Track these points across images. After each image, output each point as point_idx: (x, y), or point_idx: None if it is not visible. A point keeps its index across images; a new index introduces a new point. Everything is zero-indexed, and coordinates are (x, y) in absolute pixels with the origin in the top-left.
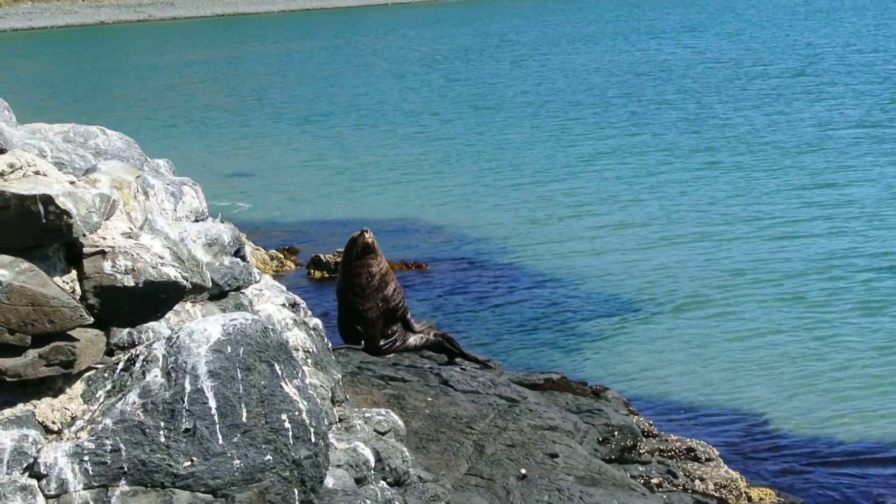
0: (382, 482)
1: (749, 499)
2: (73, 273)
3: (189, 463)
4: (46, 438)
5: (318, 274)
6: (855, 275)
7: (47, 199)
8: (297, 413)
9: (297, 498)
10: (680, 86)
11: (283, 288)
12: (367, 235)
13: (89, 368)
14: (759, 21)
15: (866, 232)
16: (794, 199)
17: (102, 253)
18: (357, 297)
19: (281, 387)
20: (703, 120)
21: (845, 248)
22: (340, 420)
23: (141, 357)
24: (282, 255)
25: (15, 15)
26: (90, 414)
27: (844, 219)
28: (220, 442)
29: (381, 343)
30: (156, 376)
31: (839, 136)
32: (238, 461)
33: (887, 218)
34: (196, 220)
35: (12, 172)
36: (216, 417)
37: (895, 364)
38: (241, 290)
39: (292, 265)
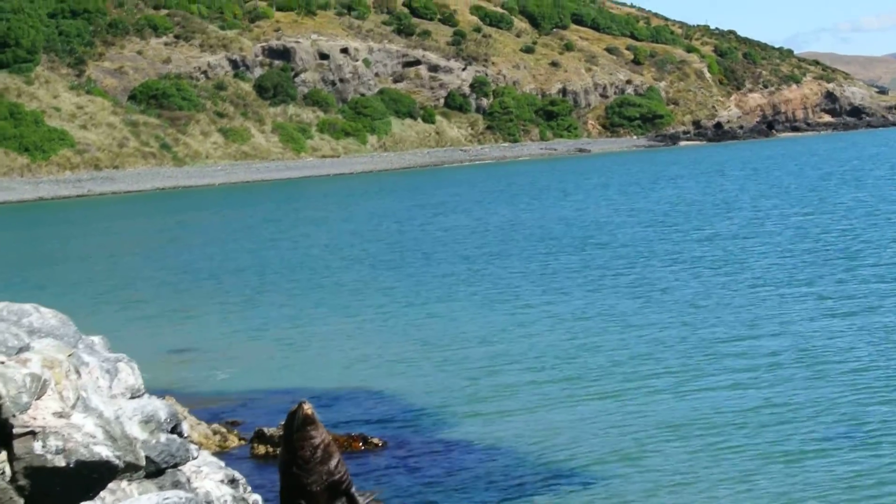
0: None
1: None
2: (3, 454)
3: None
4: None
5: (261, 448)
6: (837, 454)
7: None
8: None
9: None
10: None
11: (222, 464)
12: (305, 407)
13: None
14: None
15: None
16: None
17: (33, 433)
18: (300, 471)
19: None
20: (659, 291)
21: (820, 424)
22: None
23: None
24: (224, 430)
25: None
26: None
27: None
28: None
29: None
30: None
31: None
32: None
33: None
34: (132, 397)
35: None
36: None
37: None
38: (179, 467)
39: (235, 440)
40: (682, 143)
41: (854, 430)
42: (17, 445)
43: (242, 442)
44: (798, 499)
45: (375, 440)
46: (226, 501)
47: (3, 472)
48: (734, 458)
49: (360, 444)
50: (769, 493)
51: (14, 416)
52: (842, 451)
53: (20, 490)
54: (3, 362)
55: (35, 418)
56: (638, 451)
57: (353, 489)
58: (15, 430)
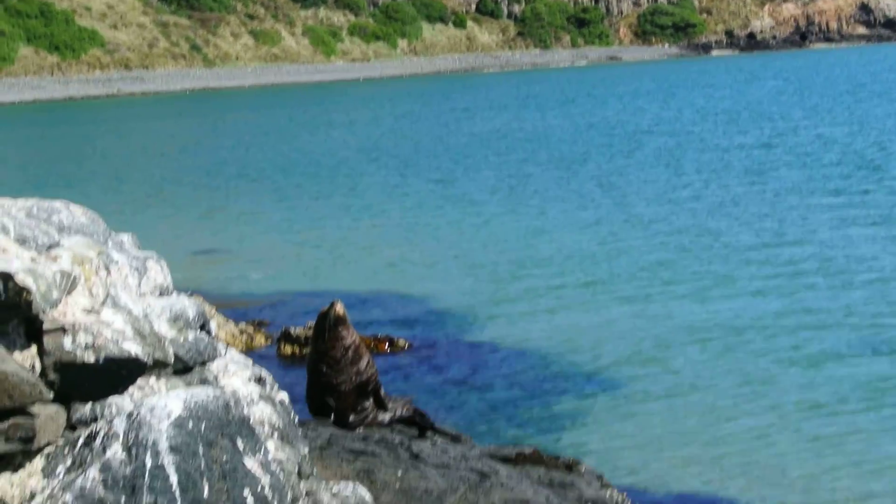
0: None
1: None
2: (33, 349)
3: None
4: None
5: (288, 348)
6: (841, 362)
7: (6, 276)
8: (259, 488)
9: None
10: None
11: (250, 362)
12: (337, 307)
13: (49, 444)
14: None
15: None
16: (761, 259)
17: (63, 329)
18: (330, 370)
19: (243, 462)
20: (685, 198)
21: (834, 331)
22: (307, 494)
23: (101, 432)
24: (251, 329)
25: (3, 85)
26: (50, 489)
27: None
28: None
29: (352, 417)
30: (116, 452)
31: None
32: None
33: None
34: (160, 295)
35: None
36: (177, 493)
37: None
38: (207, 365)
39: (262, 339)
40: (714, 53)
41: (875, 337)
42: (47, 341)
43: (269, 342)
44: (818, 402)
45: (401, 342)
46: (253, 399)
47: (34, 367)
48: (755, 362)
49: (387, 345)
50: (789, 395)
51: (44, 312)
52: (862, 358)
53: (50, 385)
54: (33, 259)
55: (65, 314)
56: (659, 353)
57: (382, 390)
58: (45, 326)
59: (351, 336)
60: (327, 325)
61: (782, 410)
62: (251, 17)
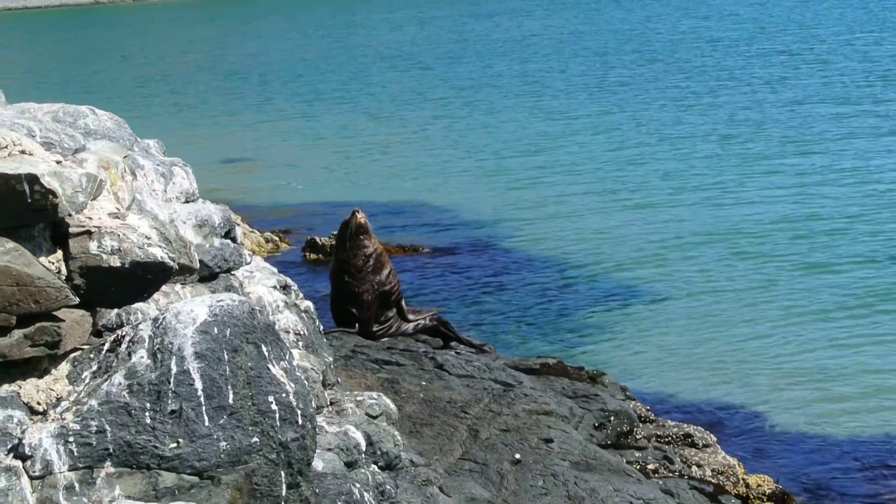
0: (374, 466)
1: (747, 485)
2: (59, 253)
3: (175, 445)
4: (31, 419)
5: (312, 256)
6: (855, 269)
7: (33, 179)
8: (284, 395)
9: (283, 480)
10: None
11: (275, 270)
12: (358, 216)
13: (75, 349)
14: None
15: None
16: (802, 186)
17: (88, 233)
18: (352, 279)
19: (268, 368)
20: (705, 105)
21: (847, 239)
22: (332, 403)
23: (127, 338)
24: (277, 238)
25: None
26: (75, 395)
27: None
28: (207, 424)
29: (376, 327)
30: (142, 357)
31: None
32: (224, 443)
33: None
34: (186, 202)
35: None
36: (202, 399)
37: (891, 357)
38: (232, 272)
39: (287, 247)
40: None
41: (885, 246)
42: (73, 245)
43: (292, 249)
44: (826, 307)
45: (424, 248)
46: (278, 306)
47: (59, 271)
48: (764, 266)
49: (411, 251)
50: (794, 299)
51: (70, 215)
52: (874, 265)
53: (76, 289)
54: (59, 162)
55: (91, 218)
56: (677, 260)
57: (403, 300)
58: (71, 230)
59: (373, 245)
60: (349, 233)
61: (796, 315)
62: None
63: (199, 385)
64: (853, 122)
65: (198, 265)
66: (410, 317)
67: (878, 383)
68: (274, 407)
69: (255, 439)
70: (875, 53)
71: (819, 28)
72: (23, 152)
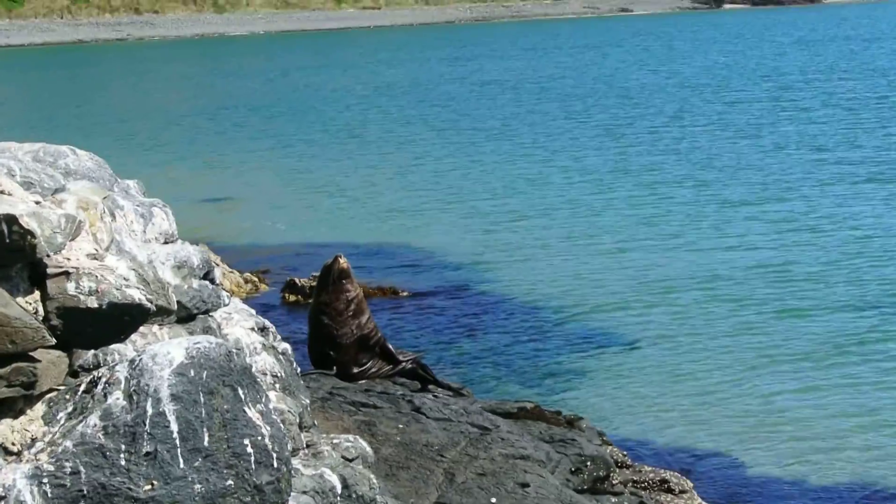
0: None
1: None
2: (36, 294)
3: (149, 487)
4: (5, 460)
5: (292, 298)
6: (830, 315)
7: (11, 219)
8: (259, 438)
9: None
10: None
11: (253, 312)
12: (341, 261)
13: (51, 390)
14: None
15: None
16: (779, 233)
17: (66, 274)
18: (332, 322)
19: (244, 411)
20: (683, 150)
21: (823, 286)
22: (308, 446)
23: (103, 379)
24: (256, 279)
25: (14, 28)
26: (50, 436)
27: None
28: (182, 466)
29: (353, 370)
30: (117, 399)
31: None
32: (199, 485)
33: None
34: (165, 242)
35: None
36: (178, 441)
37: (869, 400)
38: (210, 314)
39: (266, 288)
40: (727, 7)
41: (860, 293)
42: (51, 285)
43: (272, 291)
44: (805, 353)
45: (403, 291)
46: (255, 349)
47: (37, 312)
48: (739, 311)
49: (390, 293)
50: (769, 344)
51: (48, 255)
52: (849, 311)
53: (53, 329)
54: (38, 202)
55: (69, 259)
56: (656, 304)
57: (388, 343)
58: (49, 270)
59: (354, 290)
60: (331, 278)
61: (771, 360)
62: None
63: (174, 427)
64: (831, 168)
65: (175, 307)
66: (399, 357)
67: (851, 428)
68: (249, 450)
69: (230, 482)
70: (854, 99)
71: (796, 74)
72: (1, 192)
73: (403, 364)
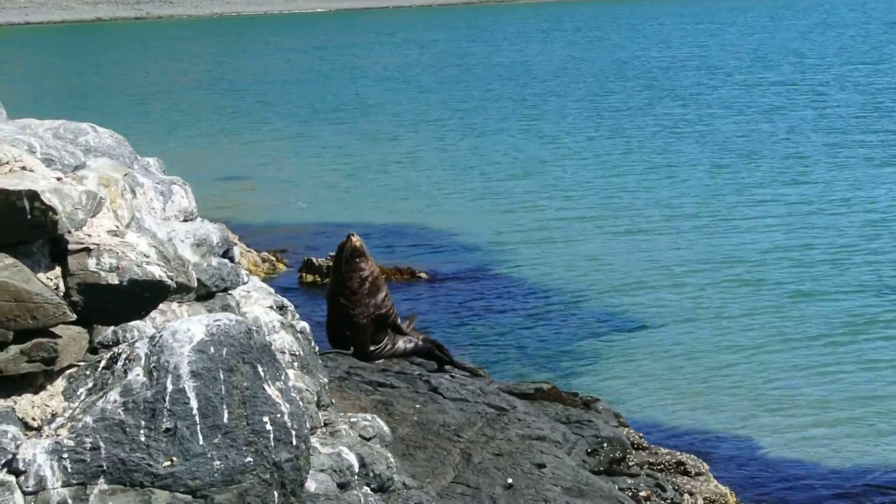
0: (366, 488)
1: None
2: (58, 270)
3: (169, 463)
4: (26, 435)
5: (309, 277)
6: (845, 298)
7: (33, 195)
8: (278, 415)
9: (276, 500)
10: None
11: (272, 290)
12: (354, 239)
13: (71, 366)
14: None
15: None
16: (794, 215)
17: (87, 250)
18: (348, 302)
19: (263, 389)
20: (699, 133)
21: (838, 268)
22: (325, 424)
23: (123, 355)
24: (274, 258)
25: (11, 10)
26: (71, 411)
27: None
28: (201, 442)
29: (371, 349)
30: (137, 375)
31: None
32: (218, 462)
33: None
34: (185, 220)
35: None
36: (197, 418)
37: (884, 382)
38: (229, 292)
39: (284, 268)
40: None
41: (874, 275)
42: (72, 261)
43: (290, 270)
44: (817, 334)
45: (421, 271)
46: (274, 327)
47: (58, 288)
48: (756, 293)
49: (408, 274)
50: (785, 325)
51: (69, 232)
52: (863, 293)
53: (73, 305)
54: (59, 178)
55: (90, 235)
56: (671, 286)
57: (399, 321)
58: (70, 247)
59: (369, 268)
60: (344, 256)
61: (788, 342)
62: None
63: (194, 404)
64: (846, 151)
65: (195, 284)
66: (405, 337)
67: (867, 410)
68: (269, 427)
69: (249, 459)
70: (870, 84)
71: (815, 58)
72: (23, 168)
73: (418, 340)
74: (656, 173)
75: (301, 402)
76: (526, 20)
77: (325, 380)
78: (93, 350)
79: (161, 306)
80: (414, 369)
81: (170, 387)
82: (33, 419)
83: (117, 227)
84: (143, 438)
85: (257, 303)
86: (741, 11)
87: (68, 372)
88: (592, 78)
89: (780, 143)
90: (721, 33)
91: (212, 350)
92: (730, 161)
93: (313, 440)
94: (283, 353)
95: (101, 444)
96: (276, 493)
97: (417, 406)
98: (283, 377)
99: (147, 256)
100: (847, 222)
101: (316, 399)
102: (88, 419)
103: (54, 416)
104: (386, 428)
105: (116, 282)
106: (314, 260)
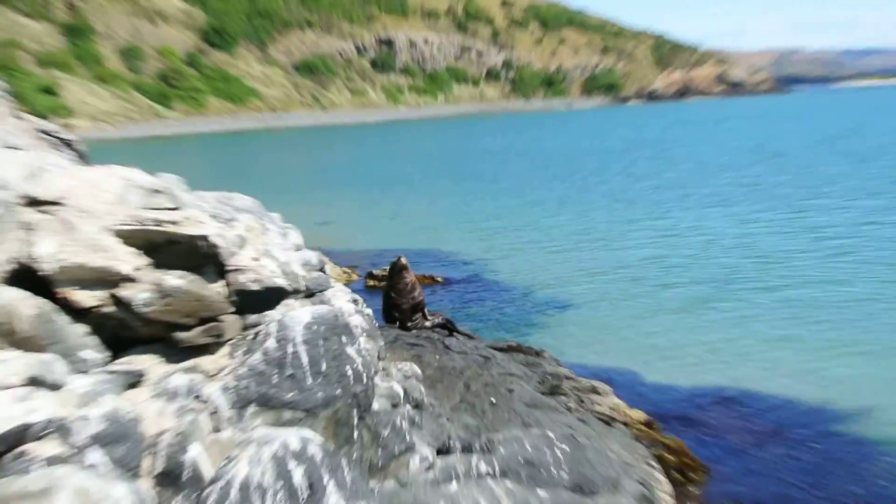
0: (408, 406)
1: (628, 416)
2: (222, 282)
3: (291, 395)
4: (207, 380)
5: (371, 283)
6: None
7: (204, 237)
8: (355, 365)
9: (355, 416)
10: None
11: (349, 290)
12: (402, 260)
13: (231, 339)
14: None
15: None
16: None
17: (239, 270)
18: (397, 296)
19: (345, 350)
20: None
21: (685, 268)
22: (383, 369)
23: (262, 332)
24: (350, 271)
25: (201, 121)
26: (232, 365)
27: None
28: (310, 382)
29: (409, 324)
30: (271, 343)
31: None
32: (320, 394)
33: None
34: (296, 250)
35: (185, 220)
36: (307, 368)
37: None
38: (323, 292)
39: (356, 277)
40: (630, 103)
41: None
42: (230, 277)
43: (359, 277)
44: (679, 295)
45: (440, 277)
46: (350, 312)
47: (221, 293)
48: (638, 286)
49: (430, 280)
50: (664, 294)
51: (227, 259)
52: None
53: (232, 303)
54: (220, 227)
55: (240, 261)
56: (597, 284)
57: (426, 309)
58: (227, 268)
59: (410, 276)
60: (395, 270)
61: (661, 312)
62: (349, 79)
63: (304, 359)
64: (691, 198)
65: (303, 288)
66: (429, 317)
67: (723, 336)
68: (349, 372)
69: (339, 391)
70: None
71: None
72: (199, 222)
73: (433, 320)
74: (570, 213)
75: (368, 357)
76: (499, 125)
77: (382, 343)
78: (244, 329)
79: (284, 302)
80: (434, 335)
81: (290, 350)
82: (210, 371)
83: (256, 255)
84: (275, 380)
85: (340, 298)
86: (627, 118)
87: (230, 342)
88: (556, 163)
89: (651, 197)
90: (607, 132)
91: (314, 327)
92: (617, 204)
93: (376, 379)
94: (357, 327)
95: (253, 384)
96: (354, 412)
97: (437, 357)
98: (357, 342)
99: (274, 272)
100: (683, 242)
101: (377, 354)
102: (243, 370)
103: (223, 368)
104: (418, 370)
105: (256, 289)
106: (374, 271)
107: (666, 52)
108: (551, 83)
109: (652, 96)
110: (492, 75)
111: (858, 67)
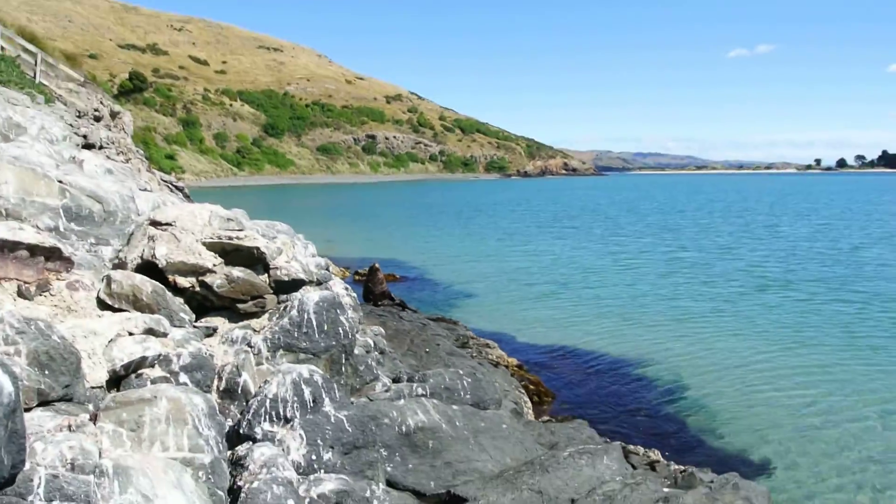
0: (375, 352)
1: (508, 361)
2: (266, 275)
3: (305, 344)
4: (254, 333)
5: (357, 278)
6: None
7: (257, 248)
8: (346, 325)
9: (343, 358)
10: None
11: (343, 282)
12: (376, 265)
13: (270, 309)
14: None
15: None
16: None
17: (277, 268)
18: (372, 286)
19: (339, 317)
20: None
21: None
22: (361, 329)
23: (289, 305)
24: (344, 269)
25: (259, 179)
26: (270, 325)
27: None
28: (317, 336)
29: (378, 303)
30: (294, 312)
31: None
32: (323, 343)
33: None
34: (313, 256)
35: (246, 237)
36: (315, 327)
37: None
38: (328, 282)
39: (347, 274)
40: (512, 178)
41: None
42: (271, 272)
43: (349, 274)
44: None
45: (398, 276)
46: (344, 295)
47: (266, 282)
48: (565, 296)
49: (391, 277)
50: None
51: (270, 261)
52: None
53: (271, 287)
54: (266, 242)
55: (278, 263)
56: (508, 285)
57: (390, 294)
58: (270, 267)
59: (380, 274)
60: (371, 270)
61: (555, 293)
62: (349, 157)
63: (314, 323)
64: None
65: (315, 280)
66: (391, 299)
67: (557, 317)
68: (341, 330)
69: (334, 343)
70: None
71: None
72: (255, 238)
73: (393, 301)
74: (473, 240)
75: (353, 322)
76: (436, 188)
77: (361, 313)
78: (279, 303)
79: (303, 288)
80: (393, 310)
81: (305, 317)
82: (255, 328)
83: (288, 260)
84: (296, 335)
85: (337, 286)
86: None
87: (269, 310)
88: (515, 215)
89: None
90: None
91: (321, 303)
92: (502, 235)
93: (357, 335)
94: (347, 304)
95: (282, 336)
96: (343, 355)
97: (394, 323)
98: (346, 313)
99: (298, 270)
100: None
101: (358, 320)
102: (276, 328)
103: (264, 327)
104: (382, 331)
105: (287, 280)
106: (359, 271)
107: (534, 149)
108: (467, 164)
109: (525, 174)
110: (433, 158)
111: (642, 163)
